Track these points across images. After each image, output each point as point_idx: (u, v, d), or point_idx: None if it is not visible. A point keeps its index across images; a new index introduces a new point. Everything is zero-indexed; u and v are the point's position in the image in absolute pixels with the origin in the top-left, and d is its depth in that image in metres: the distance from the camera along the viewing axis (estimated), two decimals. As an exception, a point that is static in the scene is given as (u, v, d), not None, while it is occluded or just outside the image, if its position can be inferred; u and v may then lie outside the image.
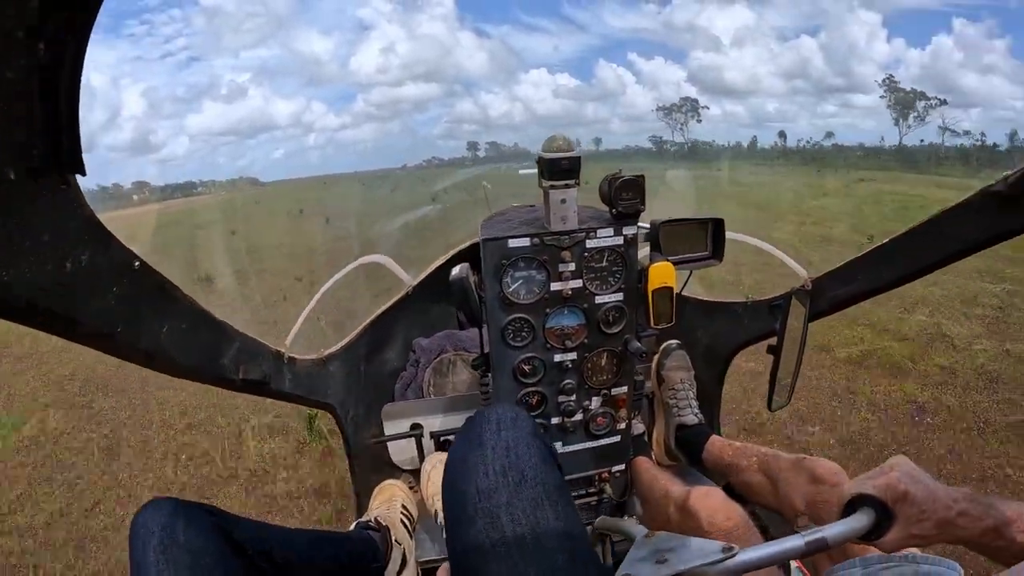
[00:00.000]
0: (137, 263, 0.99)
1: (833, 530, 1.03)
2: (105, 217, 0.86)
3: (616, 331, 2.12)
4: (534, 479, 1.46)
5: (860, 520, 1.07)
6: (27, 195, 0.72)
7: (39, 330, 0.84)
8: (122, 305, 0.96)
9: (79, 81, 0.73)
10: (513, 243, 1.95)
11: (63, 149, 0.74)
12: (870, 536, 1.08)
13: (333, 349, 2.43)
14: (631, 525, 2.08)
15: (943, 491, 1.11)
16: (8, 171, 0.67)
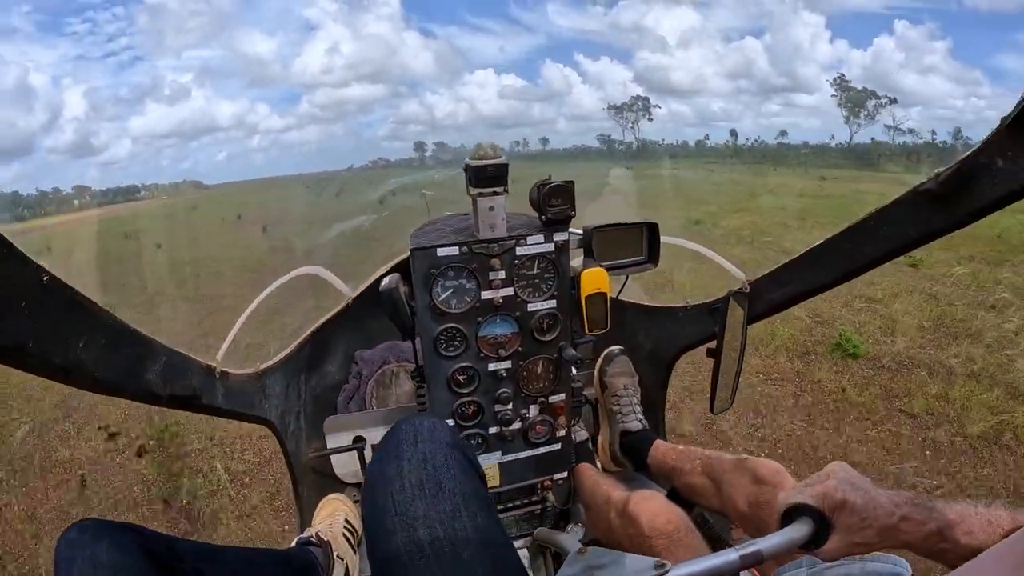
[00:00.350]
0: (46, 277, 0.96)
1: (769, 542, 1.02)
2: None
3: (550, 339, 2.12)
4: (452, 490, 1.44)
5: (798, 530, 1.06)
6: None
7: None
8: (30, 321, 0.92)
9: None
10: (442, 252, 1.94)
11: None
12: (809, 546, 1.07)
13: (270, 363, 2.38)
14: (567, 539, 2.08)
15: (884, 497, 1.11)
16: None
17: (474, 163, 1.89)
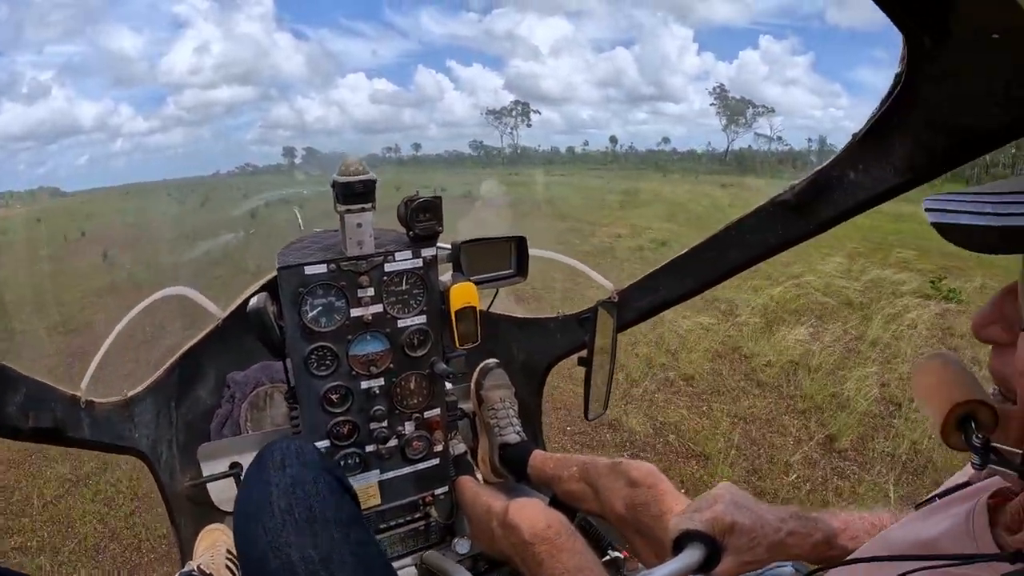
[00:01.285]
0: None
1: (664, 571, 1.04)
2: None
3: (422, 354, 2.13)
4: (324, 514, 1.44)
5: (690, 556, 1.08)
6: None
7: None
8: None
9: None
10: (309, 270, 1.93)
11: None
12: (702, 570, 1.09)
13: (138, 390, 2.30)
14: (457, 569, 2.13)
15: (770, 514, 1.16)
16: None
17: (342, 179, 1.89)
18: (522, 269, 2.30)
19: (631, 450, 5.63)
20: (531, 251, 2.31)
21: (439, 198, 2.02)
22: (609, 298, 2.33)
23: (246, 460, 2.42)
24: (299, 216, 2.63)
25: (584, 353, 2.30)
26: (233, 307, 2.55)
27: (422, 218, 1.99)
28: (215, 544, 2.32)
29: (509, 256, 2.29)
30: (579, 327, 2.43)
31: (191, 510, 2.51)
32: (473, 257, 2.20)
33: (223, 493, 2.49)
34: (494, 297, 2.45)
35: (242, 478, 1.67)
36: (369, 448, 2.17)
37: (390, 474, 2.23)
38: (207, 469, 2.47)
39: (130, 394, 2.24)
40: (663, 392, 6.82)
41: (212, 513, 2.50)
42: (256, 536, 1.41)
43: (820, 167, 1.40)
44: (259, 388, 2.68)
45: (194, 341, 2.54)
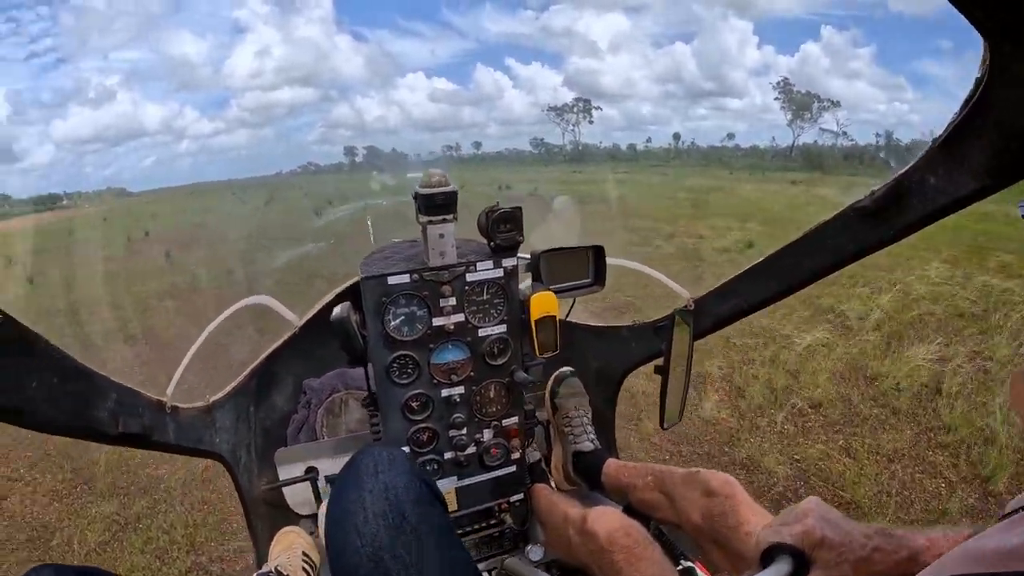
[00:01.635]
0: (0, 317, 0.96)
1: None
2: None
3: (502, 363, 2.14)
4: (415, 519, 1.46)
5: (779, 570, 1.07)
6: None
7: None
8: None
9: None
10: (393, 280, 1.95)
11: None
12: None
13: (219, 396, 2.36)
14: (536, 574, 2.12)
15: (857, 530, 1.13)
16: None
17: (424, 191, 1.91)
18: (600, 278, 2.29)
19: (772, 495, 5.08)
20: (608, 260, 2.30)
21: (519, 209, 2.02)
22: (685, 306, 2.30)
23: (322, 465, 2.49)
24: (371, 228, 2.64)
25: (660, 362, 2.29)
26: (310, 315, 2.60)
27: (503, 229, 2.00)
28: (291, 546, 2.35)
29: (587, 265, 2.29)
30: (655, 335, 2.42)
31: (267, 513, 2.56)
32: (552, 266, 2.21)
33: (299, 496, 2.55)
34: (571, 306, 2.45)
35: (334, 484, 1.71)
36: (448, 455, 2.19)
37: (467, 481, 2.25)
38: (283, 473, 2.53)
39: (212, 400, 2.31)
40: (793, 422, 6.30)
41: (288, 516, 2.56)
42: (349, 539, 1.44)
43: (899, 173, 1.38)
44: (335, 394, 2.72)
45: (272, 348, 2.60)
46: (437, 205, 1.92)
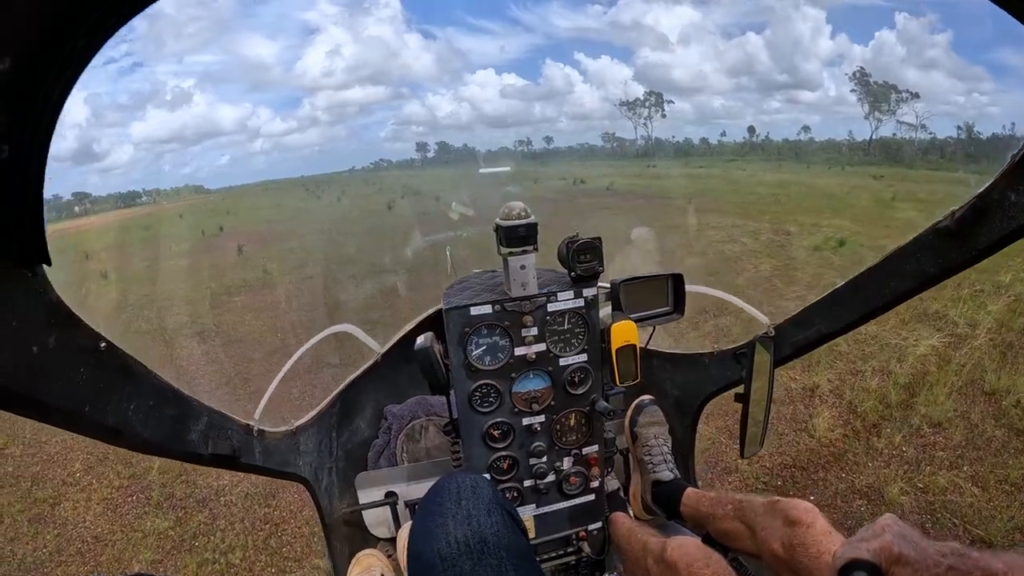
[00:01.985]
0: (103, 343, 1.01)
1: None
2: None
3: (582, 391, 2.14)
4: (497, 546, 1.47)
5: None
6: None
7: (8, 412, 0.84)
8: (88, 385, 0.97)
9: (43, 176, 0.75)
10: (475, 311, 1.98)
11: (28, 241, 0.78)
12: None
13: (303, 420, 2.42)
14: None
15: (932, 548, 1.11)
16: None
17: (505, 223, 1.94)
18: (679, 306, 2.28)
19: None
20: (687, 287, 2.29)
21: (599, 239, 2.02)
22: (765, 333, 2.26)
23: (401, 489, 2.53)
24: (450, 259, 2.67)
25: (741, 389, 2.26)
26: (390, 344, 2.66)
27: (583, 259, 2.01)
28: (369, 568, 2.40)
29: (666, 293, 2.29)
30: (735, 363, 2.37)
31: (347, 535, 2.62)
32: (632, 295, 2.21)
33: (377, 520, 2.60)
34: (651, 334, 2.43)
35: (417, 509, 1.72)
36: (527, 483, 2.20)
37: (545, 508, 2.25)
38: (363, 497, 2.58)
39: (296, 424, 2.37)
40: (912, 445, 5.74)
41: (366, 538, 2.61)
42: (431, 564, 1.45)
43: (979, 191, 1.32)
44: (415, 421, 2.77)
45: (355, 375, 2.67)
46: (519, 237, 1.95)
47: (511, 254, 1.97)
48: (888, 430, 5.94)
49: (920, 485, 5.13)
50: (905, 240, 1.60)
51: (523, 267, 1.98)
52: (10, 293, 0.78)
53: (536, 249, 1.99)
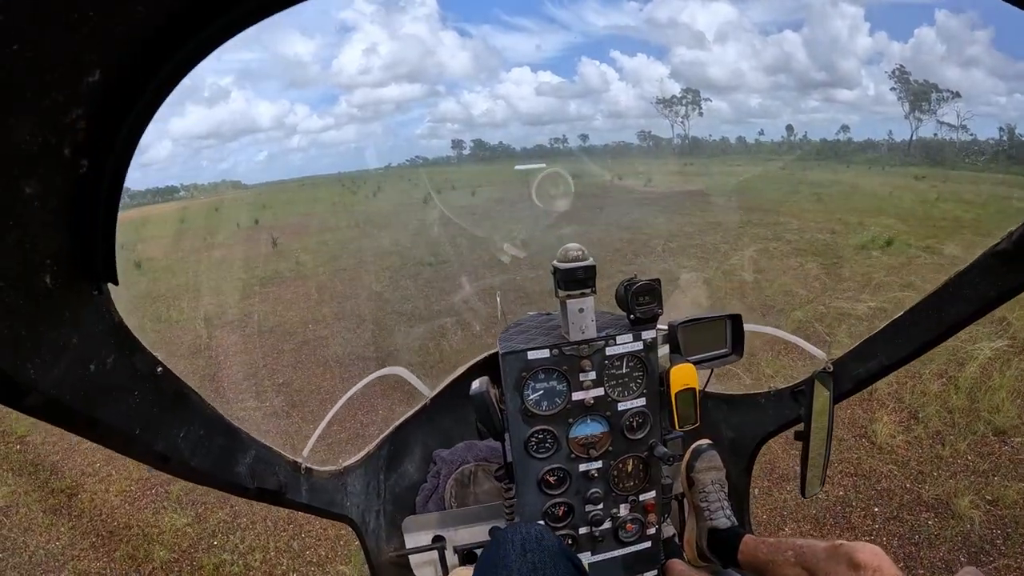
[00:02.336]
0: (160, 368, 1.02)
1: None
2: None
3: (640, 436, 2.11)
4: None
5: None
6: (60, 301, 0.74)
7: (58, 427, 0.85)
8: (141, 408, 0.97)
9: (119, 195, 0.76)
10: (533, 355, 1.96)
11: (98, 259, 0.78)
12: None
13: (351, 461, 2.40)
14: None
15: None
16: (44, 278, 0.70)
17: (563, 266, 1.93)
18: (738, 347, 2.25)
19: (969, 548, 4.41)
20: (746, 326, 2.26)
21: (658, 280, 2.00)
22: (823, 369, 2.19)
23: (449, 534, 2.50)
24: (499, 302, 2.65)
25: (799, 428, 2.20)
26: (440, 388, 2.66)
27: (642, 301, 1.98)
28: None
29: (725, 335, 2.25)
30: (793, 401, 2.32)
31: None
32: (690, 337, 2.18)
33: (425, 566, 2.56)
34: (709, 377, 2.39)
35: (479, 560, 1.71)
36: (582, 530, 2.15)
37: (600, 556, 2.20)
38: (410, 541, 2.55)
39: (344, 464, 2.34)
40: (977, 453, 5.51)
41: None
42: None
43: None
44: (464, 466, 2.74)
45: (403, 418, 2.66)
46: (577, 280, 1.93)
47: (569, 297, 1.95)
48: (952, 437, 5.75)
49: (989, 497, 4.89)
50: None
51: (581, 310, 1.96)
52: (74, 309, 0.78)
53: (594, 292, 1.97)
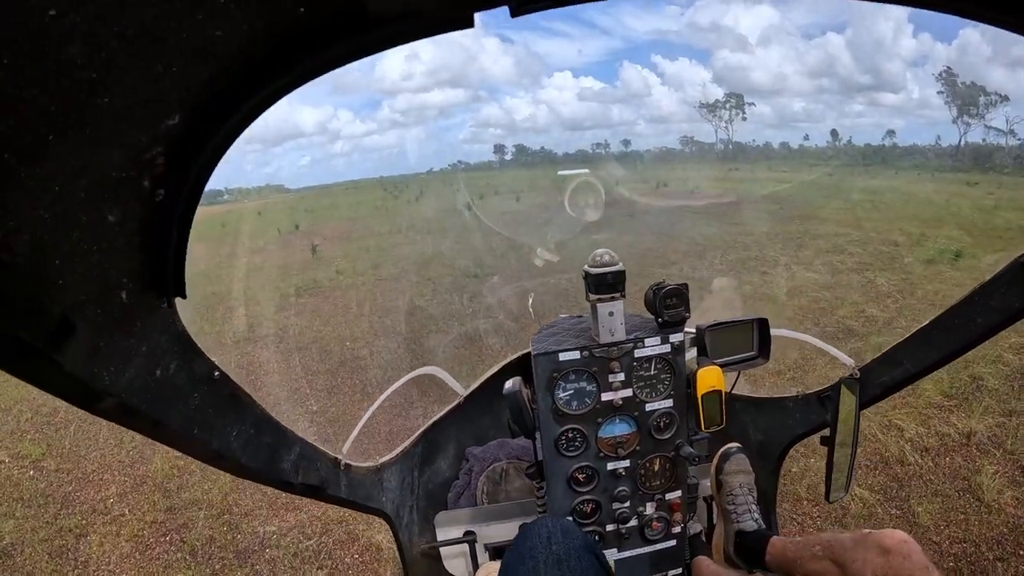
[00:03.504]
0: (217, 373, 1.09)
1: None
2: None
3: (667, 437, 2.16)
4: None
5: None
6: (133, 313, 0.83)
7: (126, 427, 0.92)
8: (200, 410, 1.05)
9: (191, 219, 0.83)
10: (564, 356, 2.02)
11: (169, 276, 0.86)
12: None
13: (388, 457, 2.49)
14: None
15: None
16: (121, 292, 0.78)
17: (594, 271, 2.00)
18: (764, 350, 2.29)
19: None
20: (772, 331, 2.29)
21: (685, 285, 2.06)
22: (850, 375, 2.22)
23: (480, 529, 2.57)
24: (531, 305, 2.73)
25: (827, 432, 2.23)
26: (474, 387, 2.74)
27: (670, 304, 2.04)
28: None
29: (751, 338, 2.29)
30: (820, 405, 2.34)
31: (425, 573, 2.66)
32: (717, 340, 2.22)
33: (456, 561, 2.63)
34: (736, 379, 2.43)
35: (507, 551, 1.76)
36: (609, 527, 2.21)
37: (627, 553, 2.25)
38: (442, 535, 2.62)
39: (381, 461, 2.43)
40: None
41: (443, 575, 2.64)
42: None
43: None
44: (496, 463, 2.80)
45: (438, 416, 2.74)
46: (607, 284, 1.99)
47: (600, 300, 2.01)
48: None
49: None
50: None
51: (611, 313, 2.02)
52: (146, 320, 0.86)
53: (623, 295, 2.03)
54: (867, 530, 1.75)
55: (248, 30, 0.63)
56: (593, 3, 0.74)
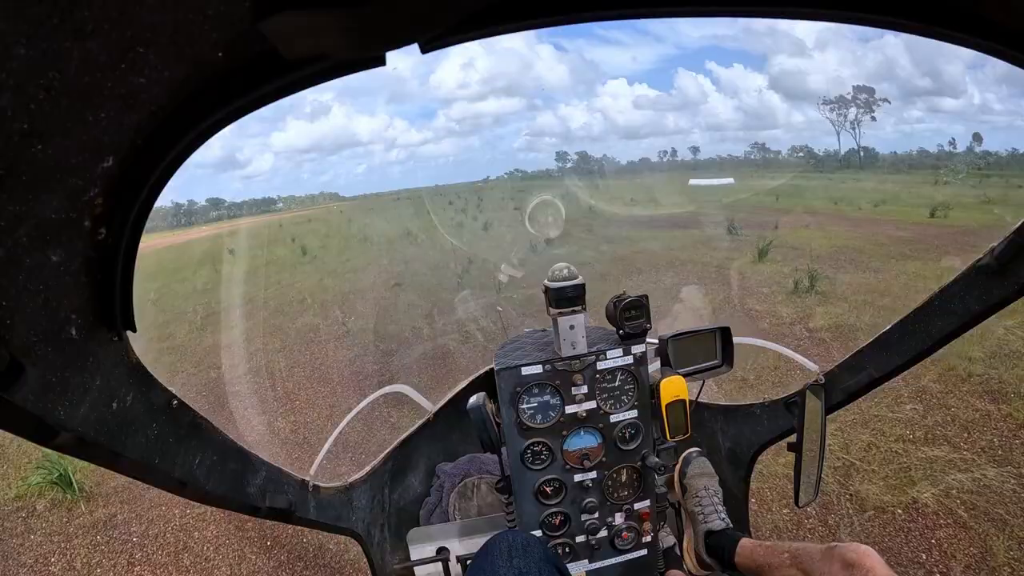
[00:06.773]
0: (175, 402, 1.09)
1: None
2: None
3: (633, 447, 2.17)
4: None
5: None
6: (85, 349, 0.83)
7: (85, 460, 0.93)
8: (160, 440, 1.04)
9: (135, 252, 0.83)
10: (526, 371, 2.03)
11: (117, 310, 0.86)
12: None
13: (357, 477, 2.47)
14: None
15: None
16: (70, 329, 0.78)
17: (554, 285, 1.99)
18: (728, 359, 2.29)
19: None
20: (735, 339, 2.30)
21: (646, 296, 2.07)
22: (815, 381, 2.25)
23: (453, 545, 2.55)
24: (502, 319, 2.74)
25: (794, 438, 2.25)
26: (442, 403, 2.72)
27: (631, 316, 2.05)
28: None
29: (715, 346, 2.29)
30: (786, 412, 2.37)
31: None
32: (680, 350, 2.23)
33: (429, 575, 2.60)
34: (701, 388, 2.44)
35: (467, 566, 1.79)
36: (579, 538, 2.21)
37: (598, 564, 2.25)
38: (415, 553, 2.60)
39: (350, 480, 2.41)
40: None
41: None
42: None
43: (1017, 227, 1.33)
44: (467, 479, 2.79)
45: (407, 433, 2.72)
46: (567, 298, 2.00)
47: (560, 314, 2.01)
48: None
49: None
50: None
51: (572, 327, 2.03)
52: (98, 354, 0.86)
53: (584, 309, 2.04)
54: (834, 543, 1.78)
55: (170, 77, 0.65)
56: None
